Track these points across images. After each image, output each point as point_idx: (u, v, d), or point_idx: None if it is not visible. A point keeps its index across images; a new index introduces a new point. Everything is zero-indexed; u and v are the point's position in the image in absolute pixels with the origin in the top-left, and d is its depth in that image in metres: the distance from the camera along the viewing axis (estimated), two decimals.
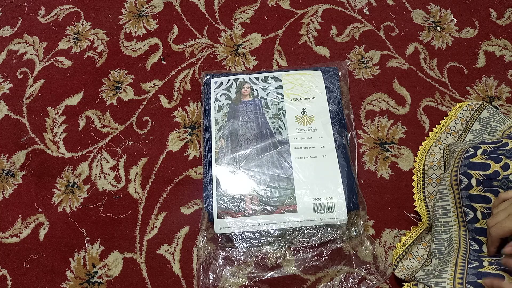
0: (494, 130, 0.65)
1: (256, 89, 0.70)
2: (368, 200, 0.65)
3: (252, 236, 0.61)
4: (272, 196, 0.61)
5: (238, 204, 0.61)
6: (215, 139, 0.66)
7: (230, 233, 0.61)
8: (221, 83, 0.72)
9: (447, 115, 0.71)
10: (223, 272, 0.60)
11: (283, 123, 0.67)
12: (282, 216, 0.60)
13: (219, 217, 0.61)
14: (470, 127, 0.66)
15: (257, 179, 0.63)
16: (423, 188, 0.65)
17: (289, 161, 0.64)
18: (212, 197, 0.62)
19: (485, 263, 0.50)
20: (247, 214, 0.60)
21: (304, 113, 0.68)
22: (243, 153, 0.65)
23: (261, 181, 0.62)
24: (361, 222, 0.62)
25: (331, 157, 0.64)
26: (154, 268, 0.63)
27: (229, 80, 0.72)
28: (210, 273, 0.60)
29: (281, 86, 0.70)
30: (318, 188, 0.62)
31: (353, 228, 0.61)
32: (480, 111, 0.67)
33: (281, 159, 0.64)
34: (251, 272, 0.60)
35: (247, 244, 0.60)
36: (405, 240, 0.61)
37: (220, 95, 0.70)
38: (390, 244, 0.63)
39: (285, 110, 0.68)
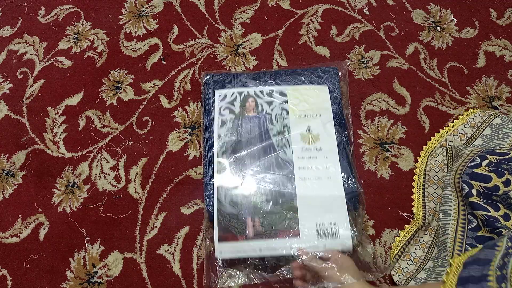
0: (506, 136, 0.64)
1: (261, 104, 0.68)
2: (368, 200, 0.65)
3: (253, 260, 0.59)
4: (275, 219, 0.59)
5: (240, 226, 0.59)
6: (218, 155, 0.64)
7: (231, 258, 0.59)
8: (225, 96, 0.69)
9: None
10: (223, 272, 0.60)
11: (287, 140, 0.65)
12: (285, 241, 0.58)
13: (220, 240, 0.58)
14: (481, 131, 0.66)
15: (260, 199, 0.61)
16: (423, 188, 0.65)
17: (293, 182, 0.62)
18: (212, 197, 0.62)
19: None
20: (248, 238, 0.58)
21: (309, 131, 0.66)
22: (246, 170, 0.63)
23: (263, 203, 0.60)
24: (361, 222, 0.62)
25: (336, 179, 0.62)
26: (154, 268, 0.63)
27: (233, 93, 0.70)
28: (210, 273, 0.60)
29: (286, 101, 0.68)
30: (322, 212, 0.59)
31: (354, 229, 0.61)
32: (493, 118, 0.67)
33: (284, 179, 0.62)
34: (251, 273, 0.60)
35: (249, 271, 0.59)
36: (400, 239, 0.62)
37: (224, 109, 0.68)
38: (390, 244, 0.63)
39: (289, 127, 0.66)
